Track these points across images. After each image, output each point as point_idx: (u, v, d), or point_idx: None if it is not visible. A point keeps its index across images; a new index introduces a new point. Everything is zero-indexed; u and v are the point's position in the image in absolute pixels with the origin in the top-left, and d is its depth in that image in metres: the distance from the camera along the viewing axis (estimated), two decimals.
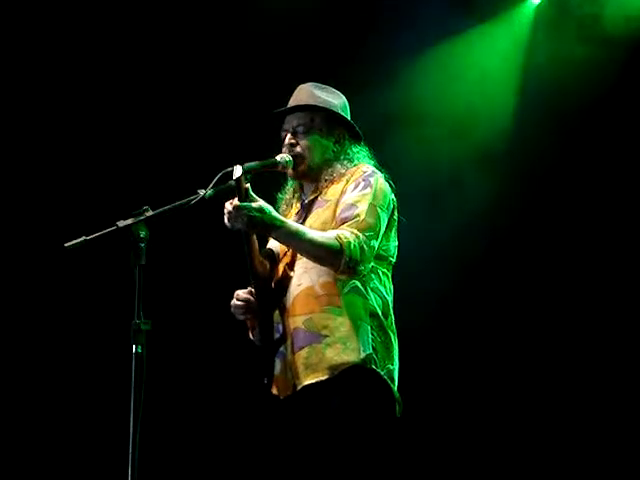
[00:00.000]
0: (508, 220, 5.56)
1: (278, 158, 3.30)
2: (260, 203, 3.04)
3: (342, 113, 3.40)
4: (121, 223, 2.89)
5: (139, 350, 2.81)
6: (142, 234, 2.89)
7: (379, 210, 3.18)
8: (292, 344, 3.16)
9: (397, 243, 3.34)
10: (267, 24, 5.56)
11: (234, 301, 3.29)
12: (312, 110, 3.36)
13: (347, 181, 3.26)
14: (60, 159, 5.55)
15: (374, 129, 3.68)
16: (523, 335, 5.53)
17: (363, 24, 5.66)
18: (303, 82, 3.48)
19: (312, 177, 3.37)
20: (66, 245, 2.86)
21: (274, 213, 3.07)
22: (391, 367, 3.17)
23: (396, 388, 3.19)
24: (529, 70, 5.60)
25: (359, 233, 3.10)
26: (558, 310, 5.52)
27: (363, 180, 3.23)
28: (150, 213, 2.94)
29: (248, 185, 3.04)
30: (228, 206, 3.04)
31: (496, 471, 5.47)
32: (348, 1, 5.72)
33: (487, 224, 5.55)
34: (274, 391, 3.22)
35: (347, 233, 3.09)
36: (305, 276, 3.19)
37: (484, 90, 5.62)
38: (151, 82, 5.61)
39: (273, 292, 3.26)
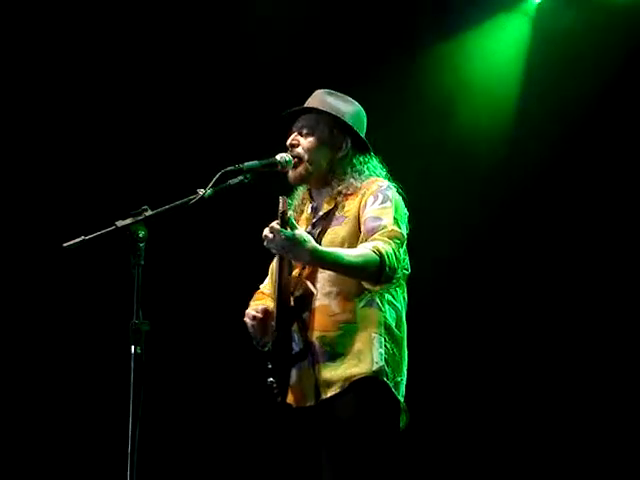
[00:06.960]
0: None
1: (278, 157, 3.30)
2: (297, 232, 3.02)
3: (349, 121, 3.34)
4: (120, 223, 2.89)
5: (138, 351, 2.80)
6: (141, 234, 2.88)
7: (401, 223, 3.19)
8: (309, 357, 3.19)
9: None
10: (267, 24, 5.56)
11: (247, 321, 3.30)
12: (318, 113, 3.34)
13: (363, 195, 3.25)
14: (59, 159, 5.54)
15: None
16: (516, 330, 5.53)
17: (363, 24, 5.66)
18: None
19: (313, 182, 3.37)
20: (65, 245, 2.85)
21: (309, 243, 3.02)
22: (399, 379, 3.20)
23: (403, 399, 3.21)
24: (530, 69, 5.59)
25: (390, 241, 3.11)
26: (557, 306, 5.52)
27: (381, 194, 3.22)
28: (149, 213, 2.93)
29: (291, 213, 3.06)
30: (267, 230, 3.03)
31: (489, 464, 5.48)
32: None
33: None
34: (289, 399, 3.24)
35: (381, 243, 3.09)
36: (324, 292, 3.20)
37: (485, 90, 5.62)
38: (151, 82, 5.60)
39: (293, 305, 3.26)
